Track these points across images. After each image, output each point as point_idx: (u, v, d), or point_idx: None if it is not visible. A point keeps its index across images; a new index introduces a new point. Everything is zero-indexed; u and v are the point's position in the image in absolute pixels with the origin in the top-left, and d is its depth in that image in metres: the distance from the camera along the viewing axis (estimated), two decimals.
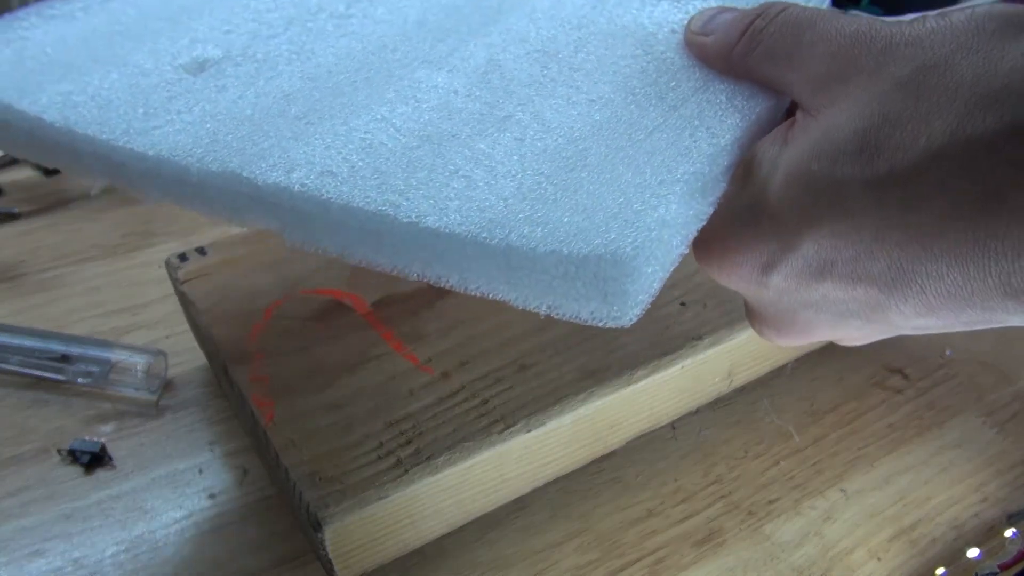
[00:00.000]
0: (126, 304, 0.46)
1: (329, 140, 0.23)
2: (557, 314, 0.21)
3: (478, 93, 0.25)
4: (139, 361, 0.40)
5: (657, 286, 0.20)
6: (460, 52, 0.26)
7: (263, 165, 0.23)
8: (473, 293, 0.22)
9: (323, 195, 0.22)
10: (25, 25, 0.29)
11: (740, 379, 0.39)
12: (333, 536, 0.28)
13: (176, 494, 0.36)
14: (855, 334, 0.23)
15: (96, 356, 0.40)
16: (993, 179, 0.17)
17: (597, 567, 0.35)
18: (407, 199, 0.21)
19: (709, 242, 0.23)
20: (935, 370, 0.46)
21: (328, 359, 0.34)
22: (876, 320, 0.21)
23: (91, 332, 0.44)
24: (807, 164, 0.20)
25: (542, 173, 0.22)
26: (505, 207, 0.21)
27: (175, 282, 0.38)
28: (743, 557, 0.35)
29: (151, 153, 0.24)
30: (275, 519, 0.36)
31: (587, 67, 0.25)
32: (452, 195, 0.21)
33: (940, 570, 0.35)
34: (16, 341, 0.41)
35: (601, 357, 0.34)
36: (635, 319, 0.20)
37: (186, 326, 0.42)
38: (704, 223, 0.22)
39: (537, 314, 0.36)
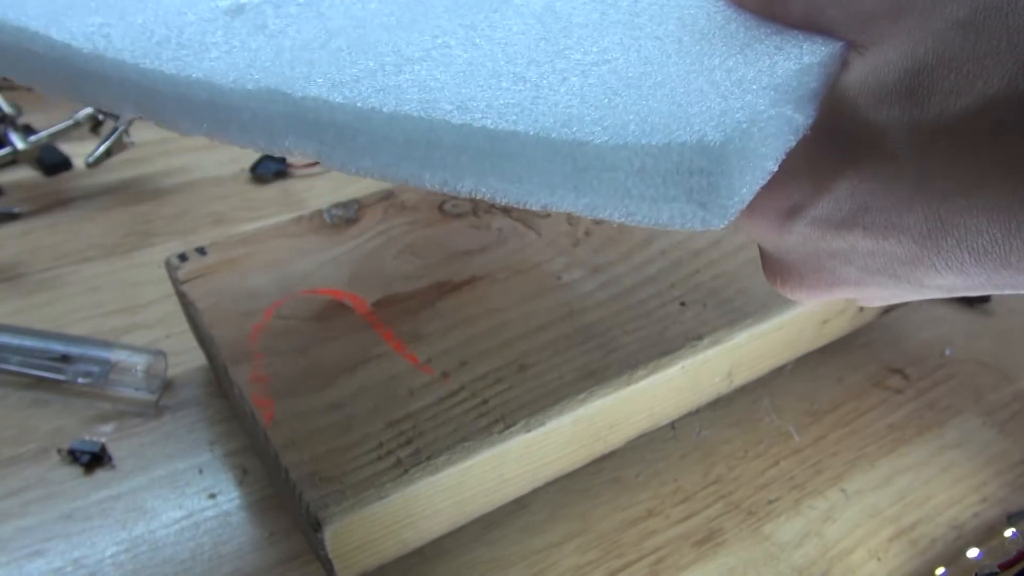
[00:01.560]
0: (126, 304, 0.46)
1: (374, 65, 0.22)
2: (633, 221, 0.19)
3: (535, 32, 0.23)
4: (139, 361, 0.40)
5: (748, 192, 0.18)
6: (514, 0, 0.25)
7: (303, 83, 0.22)
8: (534, 207, 0.20)
9: (367, 105, 0.21)
10: None
11: (740, 379, 0.39)
12: (333, 536, 0.28)
13: (176, 494, 0.36)
14: (880, 293, 0.22)
15: (96, 356, 0.40)
16: None
17: (597, 567, 0.35)
18: (459, 107, 0.20)
19: None
20: (935, 370, 0.46)
21: (328, 359, 0.34)
22: (904, 276, 0.20)
23: (91, 332, 0.44)
24: (852, 101, 0.19)
25: (608, 86, 0.20)
26: (569, 111, 0.19)
27: (175, 282, 0.38)
28: (743, 557, 0.35)
29: (183, 75, 0.23)
30: (275, 519, 0.36)
31: (649, 12, 0.24)
32: (511, 100, 0.20)
33: (940, 570, 0.35)
34: (16, 341, 0.41)
35: (601, 357, 0.34)
36: (726, 223, 0.18)
37: (186, 326, 0.42)
38: (793, 145, 0.20)
39: (537, 314, 0.36)
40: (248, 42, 0.24)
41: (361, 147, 0.22)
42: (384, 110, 0.20)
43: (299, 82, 0.22)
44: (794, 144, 0.19)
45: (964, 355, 0.47)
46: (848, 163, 0.19)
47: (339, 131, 0.22)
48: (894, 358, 0.46)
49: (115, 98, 0.25)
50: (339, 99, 0.21)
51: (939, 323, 0.49)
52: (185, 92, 0.23)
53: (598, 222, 0.42)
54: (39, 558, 0.34)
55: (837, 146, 0.19)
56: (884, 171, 0.18)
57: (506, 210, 0.42)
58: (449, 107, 0.20)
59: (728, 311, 0.37)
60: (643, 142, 0.18)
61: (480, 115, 0.20)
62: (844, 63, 0.20)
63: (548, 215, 0.42)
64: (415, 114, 0.20)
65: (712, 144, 0.17)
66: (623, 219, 0.19)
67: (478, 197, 0.21)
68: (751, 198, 0.19)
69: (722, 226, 0.18)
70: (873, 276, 0.21)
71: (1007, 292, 0.19)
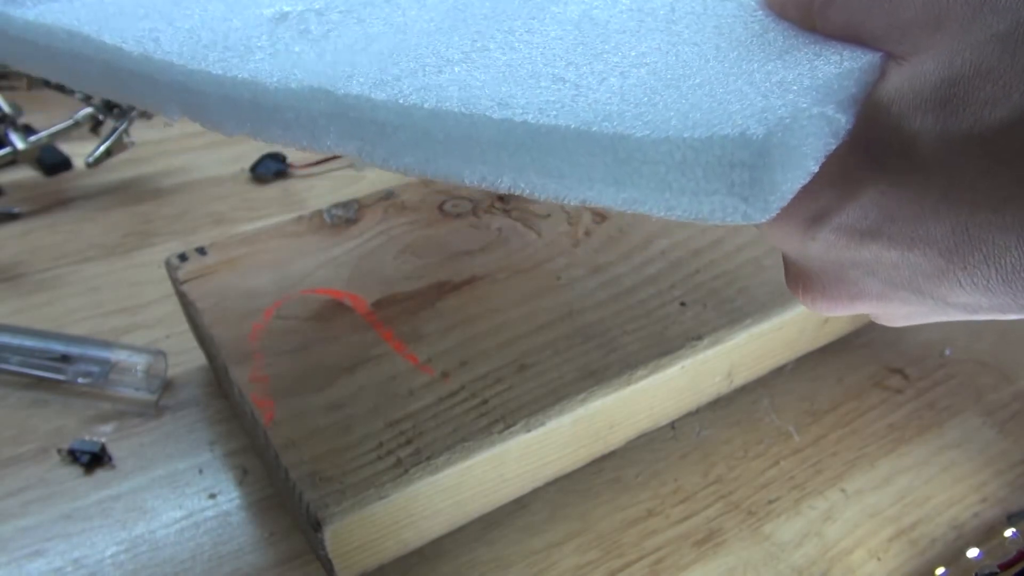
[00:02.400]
0: (126, 304, 0.46)
1: (415, 66, 0.23)
2: (672, 215, 0.19)
3: (572, 37, 0.24)
4: (139, 361, 0.40)
5: (789, 189, 0.18)
6: (551, 8, 0.26)
7: (345, 82, 0.23)
8: (574, 202, 0.20)
9: (409, 102, 0.21)
10: None
11: (740, 379, 0.39)
12: (333, 536, 0.28)
13: (176, 494, 0.36)
14: (901, 310, 0.22)
15: (96, 356, 0.40)
16: None
17: (597, 567, 0.35)
18: (499, 104, 0.20)
19: None
20: (935, 370, 0.46)
21: (328, 359, 0.34)
22: (927, 292, 0.20)
23: (91, 332, 0.44)
24: (886, 108, 0.19)
25: (648, 86, 0.20)
26: (609, 108, 0.19)
27: (175, 282, 0.38)
28: (743, 557, 0.35)
29: (229, 76, 0.24)
30: (275, 519, 0.36)
31: (686, 20, 0.24)
32: (551, 98, 0.20)
33: (940, 570, 0.35)
34: (16, 341, 0.41)
35: (601, 357, 0.34)
36: (767, 217, 0.18)
37: (186, 326, 0.42)
38: (832, 150, 0.20)
39: (537, 314, 0.36)
40: (291, 46, 0.25)
41: (402, 144, 0.22)
42: (425, 106, 0.21)
43: (341, 81, 0.22)
44: (835, 146, 0.19)
45: (964, 355, 0.47)
46: (877, 171, 0.19)
47: (380, 128, 0.22)
48: (894, 358, 0.46)
49: (162, 99, 0.26)
50: (381, 96, 0.22)
51: (939, 323, 0.49)
52: (230, 92, 0.24)
53: (598, 222, 0.42)
54: (39, 558, 0.34)
55: (867, 153, 0.19)
56: (913, 180, 0.18)
57: (506, 210, 0.42)
58: (489, 103, 0.20)
59: (728, 311, 0.37)
60: (685, 135, 0.18)
61: (520, 111, 0.20)
62: (881, 73, 0.20)
63: (548, 215, 0.42)
64: (456, 110, 0.20)
65: (754, 137, 0.17)
66: (663, 213, 0.19)
67: (517, 193, 0.21)
68: (791, 196, 0.18)
69: (764, 220, 0.18)
70: (896, 290, 0.21)
71: None
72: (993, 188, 0.17)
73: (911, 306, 0.21)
